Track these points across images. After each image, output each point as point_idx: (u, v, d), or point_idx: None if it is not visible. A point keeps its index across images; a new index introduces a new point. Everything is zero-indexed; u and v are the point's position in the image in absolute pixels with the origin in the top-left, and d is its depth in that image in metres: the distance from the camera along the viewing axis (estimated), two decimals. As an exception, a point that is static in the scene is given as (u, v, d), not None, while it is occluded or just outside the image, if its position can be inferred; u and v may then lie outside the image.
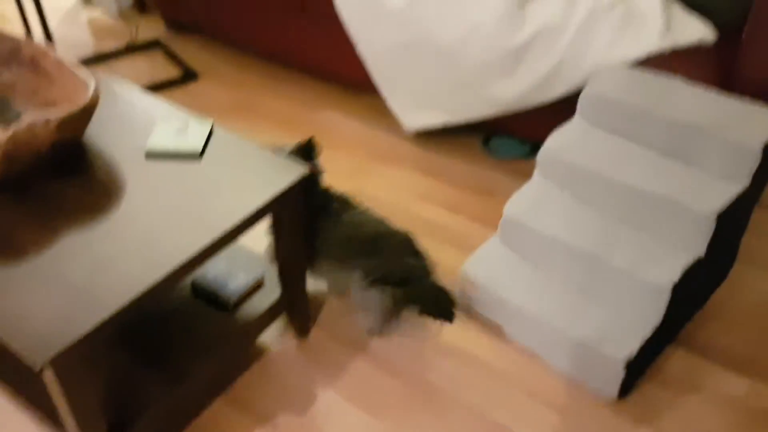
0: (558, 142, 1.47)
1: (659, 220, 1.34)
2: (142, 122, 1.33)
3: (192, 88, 2.29)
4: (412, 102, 1.93)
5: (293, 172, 1.22)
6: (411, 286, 1.41)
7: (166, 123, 1.30)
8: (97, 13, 2.72)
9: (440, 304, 1.43)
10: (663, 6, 1.58)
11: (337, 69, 2.16)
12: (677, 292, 1.28)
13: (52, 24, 2.64)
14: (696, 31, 1.54)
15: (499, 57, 1.67)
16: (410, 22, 1.77)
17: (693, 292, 1.42)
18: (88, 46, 2.51)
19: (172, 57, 2.42)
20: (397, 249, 1.43)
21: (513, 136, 1.99)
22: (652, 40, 1.53)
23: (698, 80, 1.52)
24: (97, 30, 2.62)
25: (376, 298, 1.42)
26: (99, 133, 1.29)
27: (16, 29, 2.59)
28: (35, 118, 1.09)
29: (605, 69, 1.54)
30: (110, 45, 2.52)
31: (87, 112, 1.17)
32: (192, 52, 2.47)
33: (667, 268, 1.29)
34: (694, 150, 1.37)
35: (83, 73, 1.24)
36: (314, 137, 1.58)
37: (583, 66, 1.60)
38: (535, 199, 1.46)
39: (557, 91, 1.66)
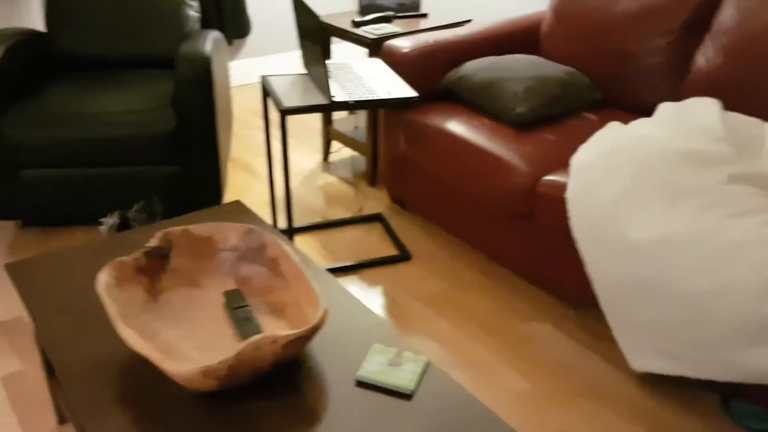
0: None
1: None
2: (357, 342, 1.29)
3: (402, 268, 2.30)
4: (643, 343, 1.71)
5: (509, 444, 1.07)
6: None
7: (380, 350, 1.25)
8: (332, 179, 2.94)
9: None
10: None
11: (557, 281, 2.03)
12: None
13: (293, 185, 2.89)
14: None
15: (761, 326, 1.42)
16: (652, 260, 1.61)
17: None
18: (317, 209, 2.69)
19: (390, 234, 2.48)
20: None
21: (759, 405, 1.66)
22: None
23: None
24: (328, 195, 2.80)
25: None
26: (314, 347, 1.28)
27: (261, 185, 2.87)
28: (263, 335, 1.09)
29: None
30: (336, 212, 2.67)
31: (313, 333, 1.15)
32: (410, 232, 2.52)
33: None
34: None
35: (326, 287, 1.25)
36: (155, 198, 2.05)
37: None
38: None
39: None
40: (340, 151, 3.20)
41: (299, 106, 1.95)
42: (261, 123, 3.51)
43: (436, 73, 2.41)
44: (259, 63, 4.09)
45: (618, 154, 1.79)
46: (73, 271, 1.48)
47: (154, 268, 1.35)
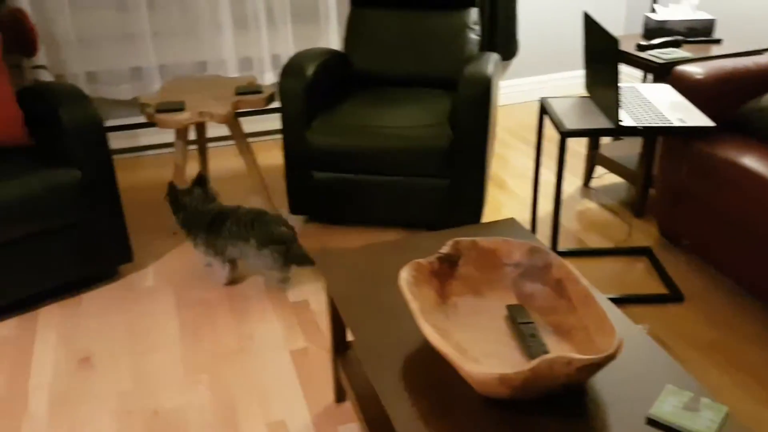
0: None
1: None
2: (646, 379, 1.24)
3: (672, 309, 2.15)
4: None
5: None
6: (285, 245, 2.23)
7: (674, 391, 1.18)
8: (592, 206, 2.85)
9: (305, 257, 2.27)
10: None
11: None
12: None
13: (547, 207, 2.87)
14: None
15: None
16: None
17: None
18: (573, 234, 2.63)
19: (659, 270, 2.33)
20: (273, 221, 2.23)
21: None
22: None
23: None
24: (586, 221, 2.73)
25: (268, 256, 2.22)
26: (600, 376, 1.25)
27: (513, 204, 2.89)
28: (558, 354, 1.10)
29: None
30: (594, 240, 2.58)
31: (607, 361, 1.13)
32: (681, 271, 2.34)
33: None
34: None
35: (610, 315, 1.22)
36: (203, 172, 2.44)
37: None
38: None
39: None
40: (602, 177, 3.09)
41: (582, 128, 1.93)
42: (516, 143, 3.55)
43: (730, 103, 2.22)
44: (520, 84, 4.14)
45: None
46: (370, 265, 1.64)
47: (444, 273, 1.44)
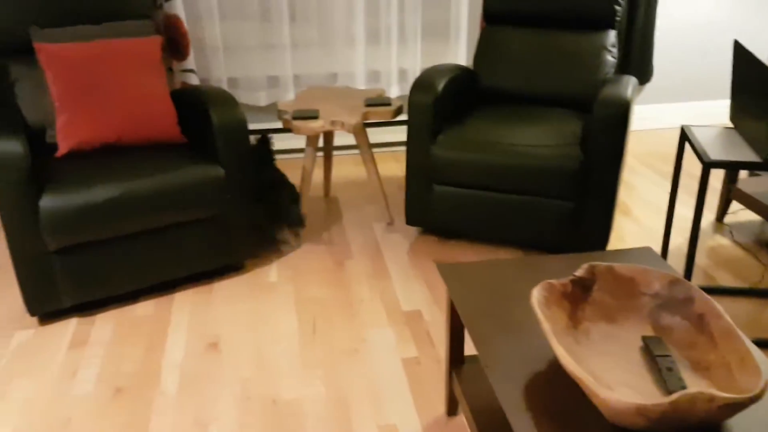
0: None
1: None
2: (796, 428, 1.16)
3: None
4: None
5: None
6: (277, 206, 2.68)
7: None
8: (724, 242, 2.70)
9: (295, 219, 2.73)
10: None
11: None
12: None
13: (678, 240, 2.74)
14: None
15: None
16: None
17: None
18: (702, 270, 2.50)
19: (798, 317, 2.17)
20: (285, 186, 2.73)
21: None
22: None
23: None
24: (717, 258, 2.58)
25: (261, 210, 2.65)
26: (739, 418, 1.19)
27: (639, 232, 2.78)
28: (699, 389, 1.06)
29: None
30: (724, 277, 2.44)
31: (751, 402, 1.08)
32: (824, 320, 2.17)
33: None
34: None
35: (756, 355, 1.16)
36: (267, 134, 2.79)
37: None
38: None
39: None
40: (737, 213, 2.92)
41: (728, 160, 1.85)
42: (645, 170, 3.42)
43: None
44: (651, 110, 3.99)
45: None
46: (493, 281, 1.64)
47: (576, 297, 1.42)
